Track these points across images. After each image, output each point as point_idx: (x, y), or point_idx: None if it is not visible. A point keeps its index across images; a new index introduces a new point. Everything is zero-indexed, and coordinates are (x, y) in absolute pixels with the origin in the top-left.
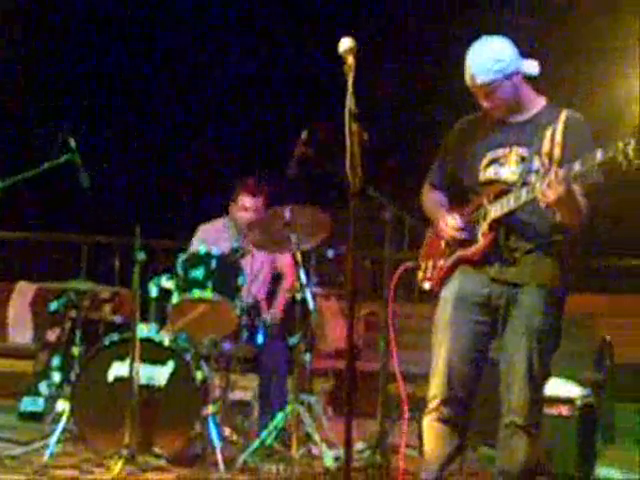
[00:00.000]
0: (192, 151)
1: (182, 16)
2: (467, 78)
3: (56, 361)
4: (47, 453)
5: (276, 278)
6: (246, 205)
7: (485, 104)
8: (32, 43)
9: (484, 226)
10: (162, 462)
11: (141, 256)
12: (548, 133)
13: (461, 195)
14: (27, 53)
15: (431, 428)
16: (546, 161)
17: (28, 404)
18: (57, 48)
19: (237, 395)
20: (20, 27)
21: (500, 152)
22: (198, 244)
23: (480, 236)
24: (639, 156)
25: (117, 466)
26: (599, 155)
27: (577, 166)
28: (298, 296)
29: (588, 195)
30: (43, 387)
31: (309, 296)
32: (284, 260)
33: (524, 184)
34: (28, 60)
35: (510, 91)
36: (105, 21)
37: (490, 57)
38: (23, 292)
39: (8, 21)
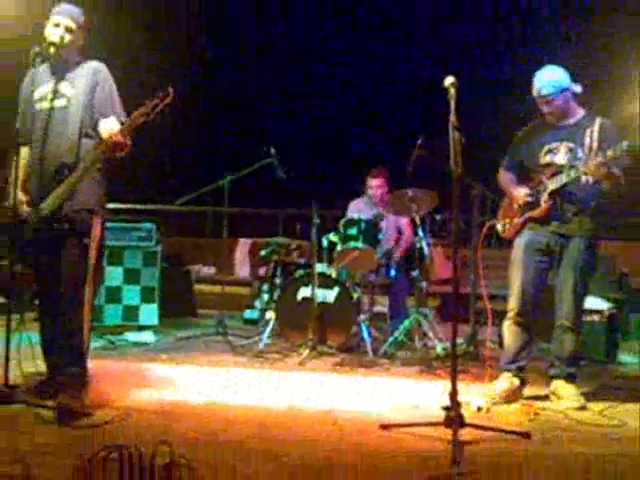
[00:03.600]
0: (351, 152)
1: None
2: (534, 91)
3: (265, 287)
4: (261, 344)
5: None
6: (371, 184)
7: (545, 109)
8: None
9: (545, 195)
10: (332, 350)
11: (317, 221)
12: (588, 132)
13: (525, 175)
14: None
15: (509, 329)
16: (587, 151)
17: (248, 314)
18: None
19: (378, 308)
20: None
21: (554, 145)
22: (352, 212)
23: (542, 202)
24: None
25: (305, 353)
26: (624, 144)
27: (610, 152)
28: (417, 245)
29: (622, 172)
30: (257, 303)
31: (425, 245)
32: (403, 221)
33: (571, 167)
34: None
35: (562, 103)
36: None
37: (550, 78)
38: (244, 244)
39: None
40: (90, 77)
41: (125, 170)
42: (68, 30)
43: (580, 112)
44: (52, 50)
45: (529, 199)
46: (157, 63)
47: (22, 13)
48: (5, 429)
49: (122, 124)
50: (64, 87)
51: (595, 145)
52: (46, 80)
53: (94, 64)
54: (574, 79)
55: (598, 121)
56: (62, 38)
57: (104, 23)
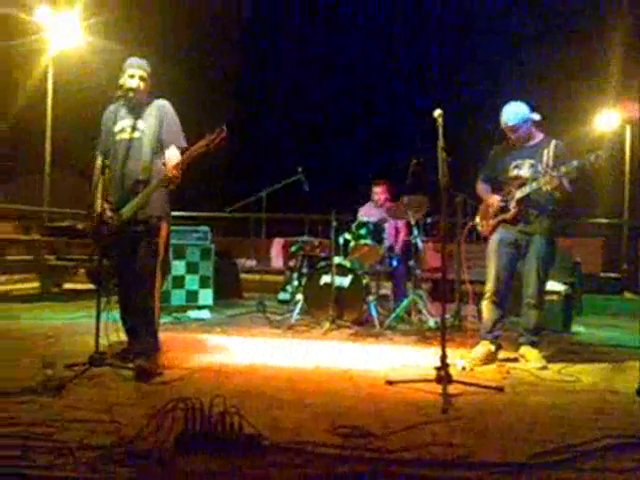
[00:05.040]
0: (360, 171)
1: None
2: (502, 122)
3: (295, 275)
4: (292, 319)
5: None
6: (375, 190)
7: (512, 136)
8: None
9: (513, 202)
10: (347, 323)
11: (335, 223)
12: (545, 152)
13: (497, 185)
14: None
15: (486, 306)
16: (545, 166)
17: (282, 295)
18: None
19: (383, 291)
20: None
21: (519, 162)
22: (361, 216)
23: (512, 208)
24: (596, 164)
25: (326, 325)
26: (575, 162)
27: (564, 168)
28: (413, 241)
29: (572, 184)
30: (289, 288)
31: (419, 241)
32: (400, 223)
33: (534, 179)
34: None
35: (525, 130)
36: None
37: (514, 111)
38: (278, 242)
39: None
40: (157, 113)
41: (190, 187)
42: (141, 79)
43: (539, 135)
44: (131, 94)
45: (501, 204)
46: (208, 103)
47: (100, 66)
48: (96, 385)
49: (183, 150)
50: (139, 123)
51: (551, 162)
52: (124, 117)
53: (160, 102)
54: (533, 109)
55: (553, 142)
56: (139, 86)
57: (169, 73)
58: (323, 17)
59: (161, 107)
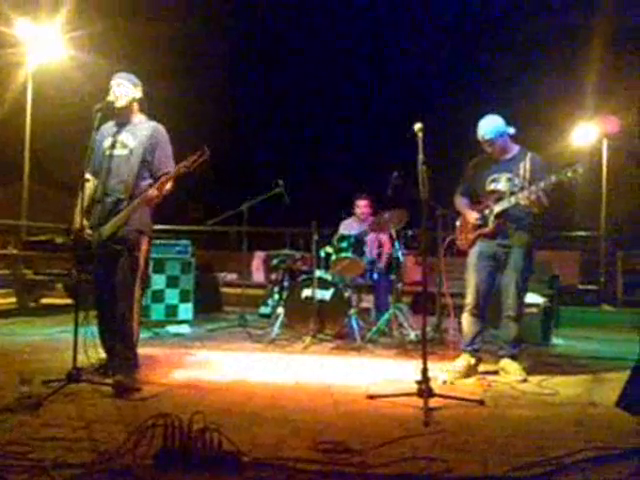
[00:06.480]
0: (341, 185)
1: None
2: (479, 136)
3: (276, 289)
4: (273, 333)
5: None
6: (358, 204)
7: (488, 149)
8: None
9: (492, 217)
10: (329, 337)
11: (315, 236)
12: (521, 165)
13: (475, 198)
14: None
15: (466, 319)
16: (522, 180)
17: (263, 310)
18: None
19: (364, 304)
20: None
21: (496, 175)
22: (343, 229)
23: (491, 222)
24: (574, 178)
25: (307, 340)
26: (553, 178)
27: (542, 184)
28: (394, 254)
29: (548, 197)
30: (270, 302)
31: (400, 254)
32: (384, 237)
33: (511, 193)
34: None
35: (501, 143)
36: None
37: (490, 125)
38: (259, 256)
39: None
40: (150, 134)
41: (171, 200)
42: (118, 85)
43: (515, 148)
44: (115, 108)
45: (479, 222)
46: (196, 116)
47: (84, 80)
48: (74, 402)
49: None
50: (126, 138)
51: (527, 175)
52: (113, 133)
53: (154, 124)
54: (508, 122)
55: (529, 155)
56: (113, 93)
57: (157, 87)
58: (310, 31)
59: (155, 129)
